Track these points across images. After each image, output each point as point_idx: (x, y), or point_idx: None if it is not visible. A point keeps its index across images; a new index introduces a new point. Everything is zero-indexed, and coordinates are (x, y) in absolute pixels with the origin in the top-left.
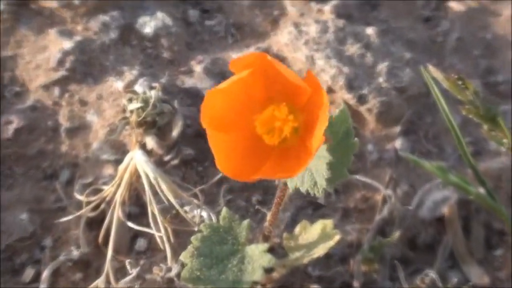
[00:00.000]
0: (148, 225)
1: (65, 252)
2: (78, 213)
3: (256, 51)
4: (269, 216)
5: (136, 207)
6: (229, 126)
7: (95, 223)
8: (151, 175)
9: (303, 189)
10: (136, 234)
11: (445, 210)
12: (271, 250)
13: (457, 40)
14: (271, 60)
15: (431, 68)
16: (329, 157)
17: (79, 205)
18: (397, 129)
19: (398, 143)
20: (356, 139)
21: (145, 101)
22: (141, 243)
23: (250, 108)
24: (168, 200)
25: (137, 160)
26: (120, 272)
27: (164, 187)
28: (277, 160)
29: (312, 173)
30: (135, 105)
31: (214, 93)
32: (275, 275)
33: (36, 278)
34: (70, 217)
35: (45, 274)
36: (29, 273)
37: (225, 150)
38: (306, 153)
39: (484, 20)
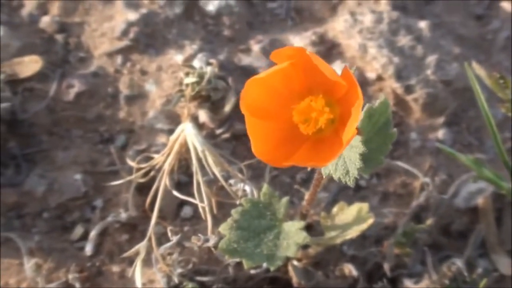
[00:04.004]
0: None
1: (114, 213)
2: (129, 178)
3: (313, 36)
4: (307, 195)
5: (186, 176)
6: (267, 114)
7: (145, 189)
8: (199, 148)
9: (335, 177)
10: (183, 202)
11: (479, 201)
12: (309, 227)
13: (506, 39)
14: (309, 55)
15: (475, 65)
16: (362, 148)
17: (131, 170)
18: (441, 120)
19: (441, 134)
20: (394, 129)
21: (201, 76)
22: (187, 211)
23: (288, 97)
24: (213, 172)
25: (187, 132)
26: (164, 237)
27: (210, 159)
28: (310, 149)
29: (345, 161)
30: (190, 79)
31: (254, 82)
32: (311, 251)
33: (85, 236)
34: (121, 181)
35: (93, 233)
36: (78, 231)
37: (262, 136)
38: (339, 144)
39: None
